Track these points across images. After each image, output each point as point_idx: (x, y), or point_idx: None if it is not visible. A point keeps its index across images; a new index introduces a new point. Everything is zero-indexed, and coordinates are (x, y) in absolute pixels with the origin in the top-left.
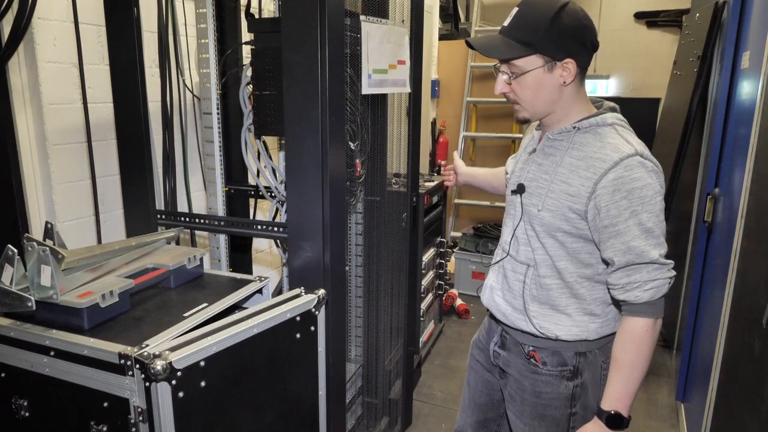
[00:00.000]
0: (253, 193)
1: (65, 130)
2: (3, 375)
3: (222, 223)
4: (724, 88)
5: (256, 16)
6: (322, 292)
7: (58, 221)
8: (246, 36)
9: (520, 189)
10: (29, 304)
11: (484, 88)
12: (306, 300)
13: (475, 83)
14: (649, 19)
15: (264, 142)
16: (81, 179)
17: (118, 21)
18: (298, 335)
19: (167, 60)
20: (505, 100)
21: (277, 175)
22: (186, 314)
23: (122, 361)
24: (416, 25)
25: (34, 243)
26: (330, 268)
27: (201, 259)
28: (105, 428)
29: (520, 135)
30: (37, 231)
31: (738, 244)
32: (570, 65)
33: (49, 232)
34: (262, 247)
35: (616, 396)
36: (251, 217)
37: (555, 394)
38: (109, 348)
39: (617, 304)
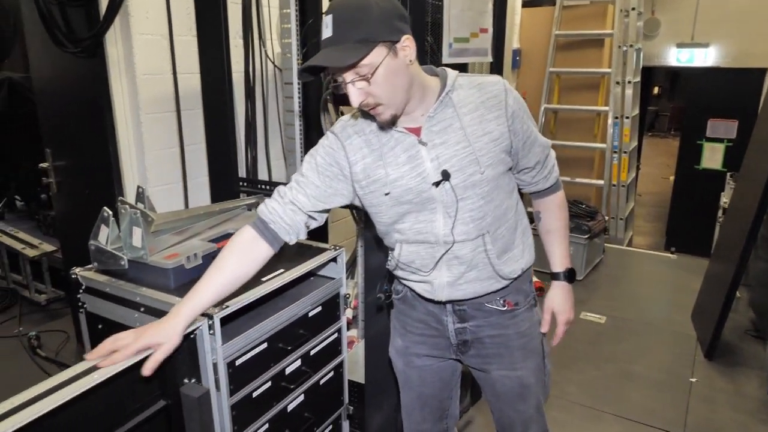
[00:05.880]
0: None
1: (156, 100)
2: (101, 326)
3: None
4: None
5: None
6: None
7: (149, 186)
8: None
9: (445, 176)
10: (122, 262)
11: (568, 57)
12: None
13: (558, 52)
14: None
15: (342, 113)
16: (170, 147)
17: None
18: None
19: (250, 31)
20: (591, 72)
21: None
22: (264, 278)
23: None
24: None
25: (127, 206)
26: None
27: None
28: (193, 380)
29: (606, 108)
30: (130, 195)
31: None
32: (408, 41)
33: (140, 195)
34: (338, 217)
35: (563, 256)
36: None
37: (532, 324)
38: None
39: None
